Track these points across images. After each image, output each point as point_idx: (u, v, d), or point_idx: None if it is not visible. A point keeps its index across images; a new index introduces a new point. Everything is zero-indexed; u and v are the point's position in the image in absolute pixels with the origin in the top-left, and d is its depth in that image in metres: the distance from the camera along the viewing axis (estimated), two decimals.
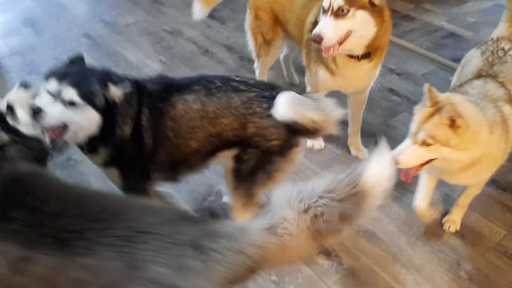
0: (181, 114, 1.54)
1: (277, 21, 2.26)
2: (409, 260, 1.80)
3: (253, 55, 2.46)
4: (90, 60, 2.92)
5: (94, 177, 2.08)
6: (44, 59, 2.92)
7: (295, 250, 1.09)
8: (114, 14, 3.51)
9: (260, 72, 2.52)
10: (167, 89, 1.57)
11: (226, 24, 3.41)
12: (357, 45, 1.81)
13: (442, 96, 1.57)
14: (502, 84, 1.74)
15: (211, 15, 3.51)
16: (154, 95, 1.56)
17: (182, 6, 3.64)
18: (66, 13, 3.51)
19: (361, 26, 1.76)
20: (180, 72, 2.82)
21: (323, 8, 1.78)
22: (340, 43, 1.77)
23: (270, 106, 1.50)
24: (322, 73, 1.99)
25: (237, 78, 1.61)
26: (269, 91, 1.56)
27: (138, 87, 1.57)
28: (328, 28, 1.74)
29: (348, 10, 1.73)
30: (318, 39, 1.75)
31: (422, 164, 1.59)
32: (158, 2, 3.69)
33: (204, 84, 1.57)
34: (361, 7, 1.73)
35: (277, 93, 1.53)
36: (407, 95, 2.69)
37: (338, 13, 1.73)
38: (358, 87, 2.04)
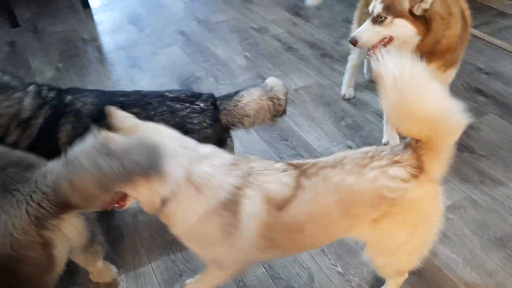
0: None
1: None
2: (481, 264, 1.77)
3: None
4: (184, 55, 3.19)
5: None
6: (144, 53, 3.24)
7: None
8: (207, 12, 3.76)
9: (353, 64, 2.57)
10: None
11: (310, 21, 3.49)
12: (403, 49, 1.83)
13: None
14: None
15: (297, 13, 3.63)
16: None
17: (270, 4, 3.79)
18: (164, 11, 3.83)
19: (401, 33, 1.83)
20: (264, 68, 2.97)
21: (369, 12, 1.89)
22: (384, 45, 1.87)
23: (200, 120, 1.66)
24: None
25: (170, 95, 1.72)
26: (197, 103, 1.70)
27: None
28: (364, 32, 1.89)
29: (386, 18, 1.82)
30: (353, 42, 1.92)
31: (382, 43, 1.83)
32: (248, 1, 3.87)
33: (143, 105, 1.67)
34: (401, 15, 1.80)
35: (205, 104, 1.69)
36: (495, 96, 2.57)
37: (377, 20, 1.85)
38: None
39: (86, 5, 3.98)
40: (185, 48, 3.29)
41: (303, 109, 2.59)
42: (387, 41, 1.88)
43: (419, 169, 1.28)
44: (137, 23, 3.68)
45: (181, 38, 3.43)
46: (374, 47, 1.90)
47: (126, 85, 2.94)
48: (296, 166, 1.36)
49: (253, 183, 1.31)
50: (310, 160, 1.38)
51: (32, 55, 3.35)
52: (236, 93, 1.77)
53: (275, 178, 1.32)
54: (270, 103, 1.76)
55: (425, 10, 1.78)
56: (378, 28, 1.86)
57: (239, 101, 1.73)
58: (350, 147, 2.30)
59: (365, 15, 2.11)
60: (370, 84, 2.72)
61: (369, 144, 2.27)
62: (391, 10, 1.81)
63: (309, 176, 1.32)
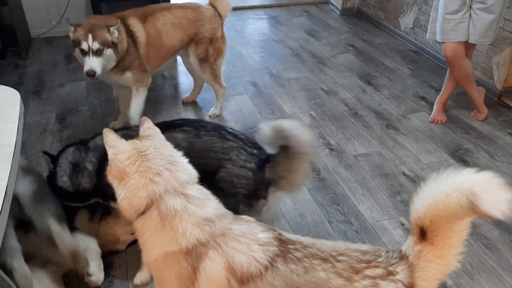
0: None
1: None
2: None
3: None
4: (252, 105, 3.32)
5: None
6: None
7: None
8: (281, 68, 3.91)
9: None
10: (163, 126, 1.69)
11: (380, 91, 3.52)
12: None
13: None
14: None
15: (368, 81, 3.68)
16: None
17: (343, 69, 3.89)
18: (241, 62, 4.03)
19: (112, 57, 2.55)
20: (327, 129, 3.01)
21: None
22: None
23: (247, 159, 1.68)
24: None
25: (229, 129, 1.81)
26: (252, 148, 1.74)
27: None
28: (94, 64, 2.48)
29: (103, 49, 2.49)
30: (91, 74, 2.49)
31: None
32: (322, 63, 4.00)
33: (197, 127, 1.78)
34: (109, 46, 2.50)
35: (260, 152, 1.73)
36: None
37: (97, 52, 2.47)
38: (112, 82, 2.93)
39: None
40: (254, 98, 3.43)
41: (359, 177, 2.57)
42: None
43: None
44: None
45: (252, 88, 3.58)
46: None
47: None
48: (282, 243, 1.24)
49: (220, 246, 1.22)
50: (306, 240, 1.27)
51: None
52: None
53: (248, 249, 1.21)
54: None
55: (116, 39, 2.52)
56: (100, 58, 2.47)
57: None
58: (403, 224, 2.23)
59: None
60: (433, 163, 2.67)
61: None
62: (105, 43, 2.46)
63: (287, 261, 1.19)
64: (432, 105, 3.20)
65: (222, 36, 3.01)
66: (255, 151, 1.77)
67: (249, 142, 1.81)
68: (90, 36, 2.44)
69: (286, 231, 2.16)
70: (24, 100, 3.35)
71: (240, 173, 1.71)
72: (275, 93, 3.50)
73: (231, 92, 3.51)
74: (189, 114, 3.23)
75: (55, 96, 3.46)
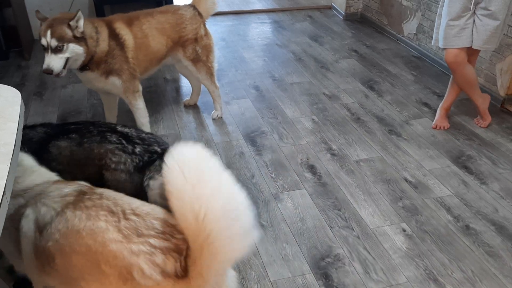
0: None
1: None
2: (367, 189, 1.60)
3: None
4: (253, 109, 3.31)
5: None
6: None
7: None
8: (284, 72, 3.91)
9: None
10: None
11: (383, 96, 3.51)
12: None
13: None
14: None
15: (371, 86, 3.67)
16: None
17: (346, 74, 3.88)
18: (244, 66, 4.03)
19: (75, 53, 2.40)
20: (328, 134, 3.00)
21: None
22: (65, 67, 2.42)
23: (121, 161, 1.68)
24: None
25: (119, 129, 1.79)
26: (138, 147, 1.72)
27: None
28: (52, 62, 2.35)
29: (63, 45, 2.34)
30: (48, 72, 2.37)
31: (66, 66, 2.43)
32: (325, 68, 3.99)
33: (84, 133, 1.77)
34: (70, 40, 2.36)
35: (147, 150, 1.69)
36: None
37: (57, 49, 2.34)
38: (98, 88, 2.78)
39: None
40: (256, 102, 3.42)
41: (361, 182, 2.56)
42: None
43: (185, 273, 1.15)
44: (217, 72, 3.87)
45: (255, 92, 3.57)
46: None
47: (194, 127, 3.08)
48: (81, 193, 1.35)
49: (34, 203, 1.38)
50: (109, 193, 1.34)
51: None
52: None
53: (51, 201, 1.36)
54: None
55: (82, 33, 2.38)
56: (60, 55, 2.35)
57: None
58: (404, 230, 2.21)
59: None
60: (435, 170, 2.65)
61: (424, 231, 2.20)
62: (63, 39, 2.32)
63: (76, 208, 1.29)
64: (435, 111, 3.19)
65: (206, 33, 3.01)
66: (138, 150, 1.70)
67: (137, 140, 1.75)
68: (48, 32, 2.31)
69: (286, 236, 2.17)
70: (26, 101, 3.36)
71: (115, 177, 1.68)
72: (277, 97, 3.49)
73: (233, 96, 3.50)
74: (190, 117, 3.22)
75: (57, 97, 3.46)
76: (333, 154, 2.81)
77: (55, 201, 1.37)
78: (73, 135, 1.77)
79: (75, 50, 2.39)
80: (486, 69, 3.42)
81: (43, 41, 2.34)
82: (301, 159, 2.76)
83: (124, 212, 1.26)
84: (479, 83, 3.11)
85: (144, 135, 1.80)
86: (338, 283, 1.93)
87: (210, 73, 3.07)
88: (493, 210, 2.35)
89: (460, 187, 2.52)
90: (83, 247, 1.23)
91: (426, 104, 3.39)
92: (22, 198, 1.44)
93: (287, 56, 4.24)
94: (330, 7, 5.54)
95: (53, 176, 1.54)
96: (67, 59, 2.39)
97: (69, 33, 2.35)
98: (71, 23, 2.35)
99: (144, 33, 2.72)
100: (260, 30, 4.92)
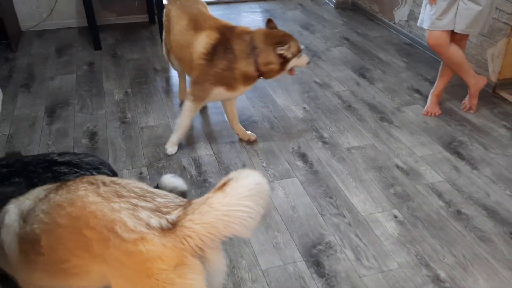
0: None
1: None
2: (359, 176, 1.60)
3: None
4: (244, 98, 3.28)
5: None
6: None
7: None
8: None
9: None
10: None
11: (374, 84, 3.49)
12: None
13: None
14: None
15: (362, 74, 3.64)
16: None
17: (338, 62, 3.85)
18: None
19: None
20: (320, 122, 2.98)
21: None
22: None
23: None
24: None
25: (60, 159, 1.69)
26: (91, 170, 1.66)
27: None
28: None
29: None
30: None
31: None
32: (316, 56, 3.96)
33: (26, 175, 1.63)
34: None
35: (100, 173, 1.64)
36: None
37: None
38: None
39: None
40: (247, 91, 3.38)
41: (353, 170, 2.54)
42: None
43: (173, 226, 1.13)
44: None
45: None
46: None
47: None
48: (63, 183, 1.35)
49: (16, 200, 1.41)
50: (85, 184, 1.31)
51: (106, 77, 3.58)
52: None
53: (33, 195, 1.37)
54: None
55: None
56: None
57: None
58: (396, 217, 2.21)
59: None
60: (427, 156, 2.64)
61: (416, 217, 2.19)
62: None
63: (59, 190, 1.29)
64: (427, 97, 3.17)
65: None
66: (96, 174, 1.68)
67: (86, 165, 1.71)
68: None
69: (277, 224, 2.15)
70: (13, 93, 3.31)
71: None
72: (268, 86, 3.46)
73: None
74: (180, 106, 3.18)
75: (44, 89, 3.40)
76: (324, 142, 2.79)
77: (38, 193, 1.37)
78: (16, 179, 1.62)
79: None
80: (478, 55, 3.40)
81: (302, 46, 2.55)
82: (293, 148, 2.74)
83: (103, 182, 1.26)
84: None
85: (85, 159, 1.76)
86: (330, 270, 1.92)
87: None
88: (484, 195, 2.35)
89: (452, 173, 2.51)
90: (64, 218, 1.22)
91: (417, 91, 3.38)
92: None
93: None
94: None
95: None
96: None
97: None
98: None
99: None
100: (251, 19, 4.87)
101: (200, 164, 2.59)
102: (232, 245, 2.04)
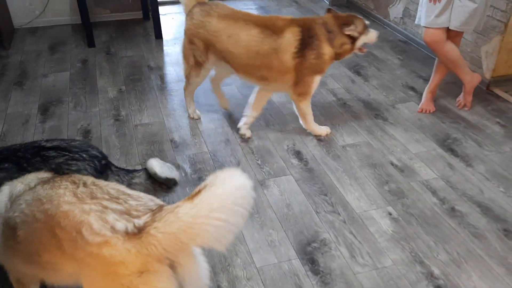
0: None
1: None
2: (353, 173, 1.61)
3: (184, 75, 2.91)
4: (240, 96, 3.27)
5: None
6: (203, 89, 3.35)
7: None
8: None
9: (188, 91, 2.96)
10: None
11: (369, 81, 3.49)
12: None
13: None
14: None
15: (357, 71, 3.64)
16: None
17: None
18: None
19: None
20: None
21: None
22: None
23: (80, 168, 1.66)
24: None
25: (48, 145, 1.73)
26: (83, 153, 1.71)
27: None
28: None
29: None
30: None
31: None
32: None
33: (15, 160, 1.66)
34: None
35: (90, 155, 1.70)
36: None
37: None
38: None
39: (159, 36, 4.23)
40: (242, 88, 3.37)
41: (347, 167, 2.54)
42: None
43: (139, 232, 1.11)
44: None
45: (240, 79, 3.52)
46: None
47: (179, 115, 3.04)
48: (56, 176, 1.41)
49: (11, 182, 1.46)
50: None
51: (100, 74, 3.56)
52: (133, 171, 1.82)
53: (27, 180, 1.43)
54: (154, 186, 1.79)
55: None
56: None
57: (132, 180, 1.77)
58: (390, 214, 2.21)
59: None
60: (421, 153, 2.65)
61: (410, 214, 2.20)
62: None
63: (45, 184, 1.34)
64: (421, 95, 3.18)
65: None
66: (85, 155, 1.73)
67: (74, 149, 1.75)
68: None
69: (272, 222, 2.15)
70: (6, 91, 3.28)
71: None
72: None
73: None
74: (175, 105, 3.17)
75: (38, 86, 3.38)
76: (319, 140, 2.79)
77: (31, 180, 1.43)
78: (6, 165, 1.65)
79: None
80: (472, 52, 3.41)
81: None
82: (288, 145, 2.74)
83: (85, 183, 1.30)
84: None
85: (73, 143, 1.79)
86: (325, 267, 1.93)
87: None
88: (478, 192, 2.36)
89: (446, 170, 2.52)
90: (42, 213, 1.25)
91: (412, 88, 3.38)
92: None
93: None
94: None
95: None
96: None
97: None
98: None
99: None
100: None
101: (195, 162, 2.58)
102: None
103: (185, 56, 2.81)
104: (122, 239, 1.11)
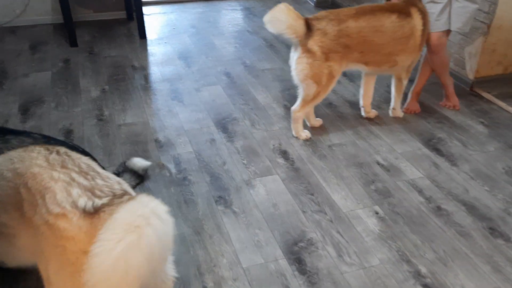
0: None
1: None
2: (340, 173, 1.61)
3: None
4: (225, 96, 3.24)
5: (201, 199, 2.28)
6: (187, 88, 3.32)
7: None
8: (255, 59, 3.84)
9: (304, 112, 2.80)
10: None
11: (354, 82, 3.50)
12: None
13: None
14: None
15: (343, 73, 3.64)
16: None
17: None
18: (214, 53, 3.94)
19: None
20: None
21: None
22: None
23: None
24: None
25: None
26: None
27: None
28: None
29: None
30: None
31: None
32: None
33: None
34: None
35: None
36: None
37: None
38: None
39: (143, 36, 4.17)
40: (227, 89, 3.35)
41: (333, 166, 2.53)
42: None
43: (95, 212, 1.14)
44: (187, 59, 3.80)
45: (226, 79, 3.50)
46: None
47: (164, 115, 2.99)
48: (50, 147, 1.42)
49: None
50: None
51: (82, 74, 3.49)
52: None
53: (9, 145, 1.46)
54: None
55: None
56: None
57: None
58: (377, 213, 2.20)
59: None
60: (407, 152, 2.65)
61: (397, 213, 2.19)
62: None
63: (23, 147, 1.38)
64: (406, 95, 3.19)
65: None
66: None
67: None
68: None
69: (258, 222, 2.12)
70: None
71: None
72: (249, 83, 3.43)
73: (204, 83, 3.42)
74: (159, 105, 3.12)
75: (18, 86, 3.30)
76: (305, 139, 2.77)
77: (12, 146, 1.47)
78: None
79: None
80: (455, 53, 3.45)
81: None
82: (274, 145, 2.72)
83: (58, 151, 1.32)
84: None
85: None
86: (312, 267, 1.91)
87: None
88: (463, 190, 2.37)
89: (431, 169, 2.52)
90: (10, 172, 1.27)
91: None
92: None
93: (258, 42, 4.18)
94: None
95: None
96: None
97: None
98: None
99: None
100: (231, 17, 4.83)
101: (179, 161, 2.54)
102: (212, 244, 2.00)
103: (316, 77, 2.62)
104: (78, 216, 1.14)
